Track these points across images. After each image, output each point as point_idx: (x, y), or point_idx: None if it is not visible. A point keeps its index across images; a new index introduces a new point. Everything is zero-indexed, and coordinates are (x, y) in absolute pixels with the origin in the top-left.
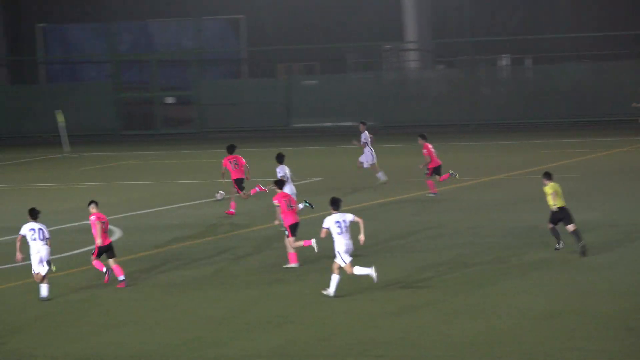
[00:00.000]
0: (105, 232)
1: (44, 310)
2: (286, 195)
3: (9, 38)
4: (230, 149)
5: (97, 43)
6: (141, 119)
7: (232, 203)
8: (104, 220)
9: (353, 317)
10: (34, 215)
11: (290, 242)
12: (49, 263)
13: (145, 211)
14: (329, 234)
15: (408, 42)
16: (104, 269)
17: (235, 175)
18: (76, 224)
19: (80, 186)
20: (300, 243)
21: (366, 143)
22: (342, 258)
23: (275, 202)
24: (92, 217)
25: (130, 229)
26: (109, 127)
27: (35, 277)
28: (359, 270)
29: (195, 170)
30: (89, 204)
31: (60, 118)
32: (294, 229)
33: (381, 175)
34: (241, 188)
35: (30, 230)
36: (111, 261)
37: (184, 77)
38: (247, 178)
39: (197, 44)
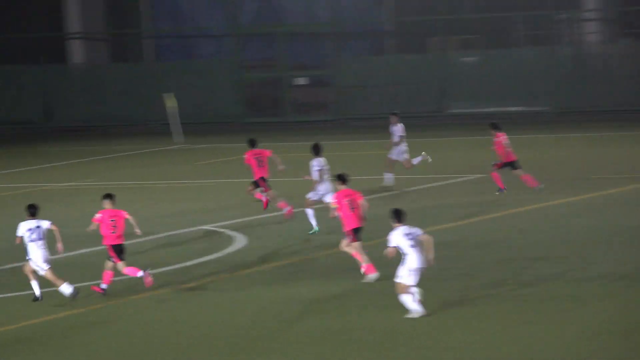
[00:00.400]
0: (115, 231)
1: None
2: (349, 193)
3: (109, 8)
4: (252, 143)
5: (214, 14)
6: (267, 103)
7: (282, 204)
8: (113, 218)
9: None
10: (32, 212)
11: (344, 247)
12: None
13: (275, 214)
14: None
15: (587, 10)
16: (139, 273)
17: (259, 173)
18: (191, 229)
19: (195, 184)
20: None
21: (403, 137)
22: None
23: (333, 203)
24: (98, 216)
25: (260, 235)
26: (228, 113)
27: (24, 269)
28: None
29: (333, 165)
30: (104, 197)
31: (170, 102)
32: (357, 232)
33: (389, 178)
34: (268, 186)
35: (27, 230)
36: (110, 265)
37: (317, 54)
38: (281, 169)
39: (333, 14)
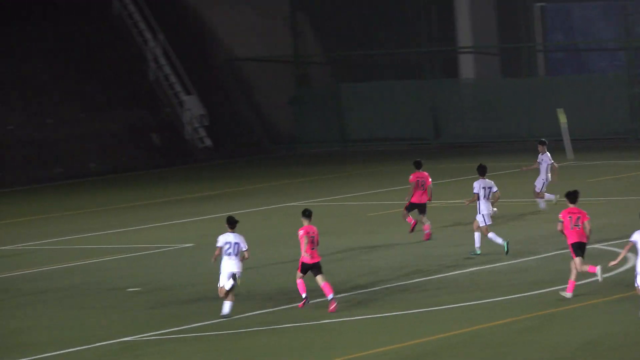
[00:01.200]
0: (313, 249)
1: None
2: (575, 210)
3: (501, 22)
4: (417, 165)
5: (606, 25)
6: None
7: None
8: (312, 235)
9: None
10: (231, 224)
11: (577, 265)
12: (234, 277)
13: None
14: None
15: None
16: (304, 295)
17: (417, 196)
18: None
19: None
20: (586, 267)
21: (541, 164)
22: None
23: (560, 218)
24: (300, 232)
25: None
26: (620, 129)
27: (219, 291)
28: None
29: None
30: (303, 213)
31: (562, 118)
32: (577, 248)
33: (543, 202)
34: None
35: (226, 243)
36: (319, 278)
37: None
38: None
39: None
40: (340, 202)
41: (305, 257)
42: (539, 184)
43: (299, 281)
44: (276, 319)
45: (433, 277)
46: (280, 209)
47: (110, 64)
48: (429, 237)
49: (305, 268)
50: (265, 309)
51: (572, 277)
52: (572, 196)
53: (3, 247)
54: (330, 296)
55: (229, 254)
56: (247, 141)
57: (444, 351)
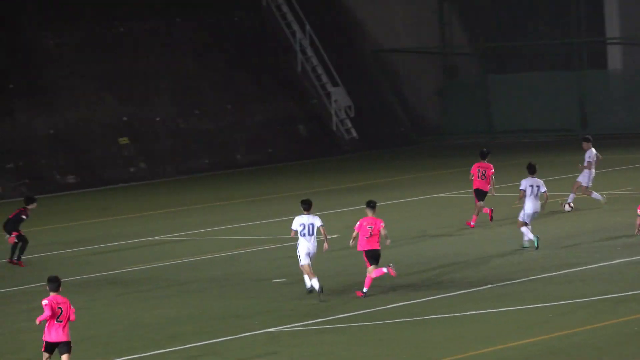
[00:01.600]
0: (370, 237)
1: None
2: None
3: None
4: (482, 155)
5: None
6: None
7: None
8: (371, 225)
9: None
10: (306, 206)
11: None
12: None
13: None
14: None
15: None
16: (384, 269)
17: (477, 184)
18: None
19: None
20: None
21: (591, 163)
22: None
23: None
24: (357, 224)
25: None
26: None
27: (302, 269)
28: None
29: None
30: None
31: None
32: None
33: (597, 196)
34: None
35: (300, 225)
36: (371, 269)
37: None
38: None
39: None
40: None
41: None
42: (584, 179)
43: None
44: (421, 310)
45: (578, 269)
46: (426, 201)
47: (258, 56)
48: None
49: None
50: (410, 300)
51: None
52: None
53: (150, 238)
54: (365, 290)
55: (304, 235)
56: (393, 132)
57: (594, 342)
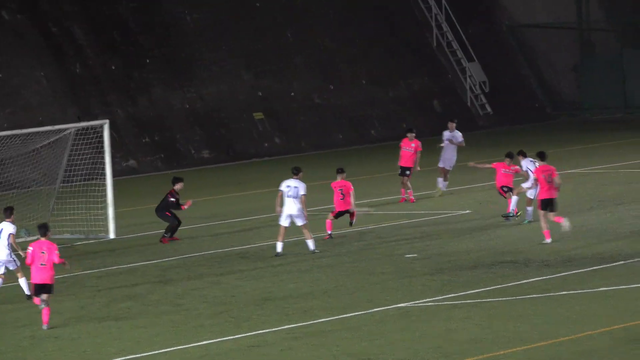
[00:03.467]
0: (342, 199)
1: None
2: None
3: None
4: (541, 157)
5: None
6: None
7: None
8: (340, 187)
9: None
10: (295, 172)
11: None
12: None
13: None
14: None
15: None
16: (329, 232)
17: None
18: None
19: None
20: None
21: None
22: None
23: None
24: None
25: None
26: None
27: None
28: None
29: None
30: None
31: None
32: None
33: None
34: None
35: (286, 187)
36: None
37: None
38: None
39: None
40: (621, 169)
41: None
42: None
43: (328, 221)
44: (552, 286)
45: None
46: (562, 176)
47: (394, 31)
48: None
49: (338, 214)
50: (542, 276)
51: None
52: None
53: None
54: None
55: (289, 196)
56: (529, 108)
57: None
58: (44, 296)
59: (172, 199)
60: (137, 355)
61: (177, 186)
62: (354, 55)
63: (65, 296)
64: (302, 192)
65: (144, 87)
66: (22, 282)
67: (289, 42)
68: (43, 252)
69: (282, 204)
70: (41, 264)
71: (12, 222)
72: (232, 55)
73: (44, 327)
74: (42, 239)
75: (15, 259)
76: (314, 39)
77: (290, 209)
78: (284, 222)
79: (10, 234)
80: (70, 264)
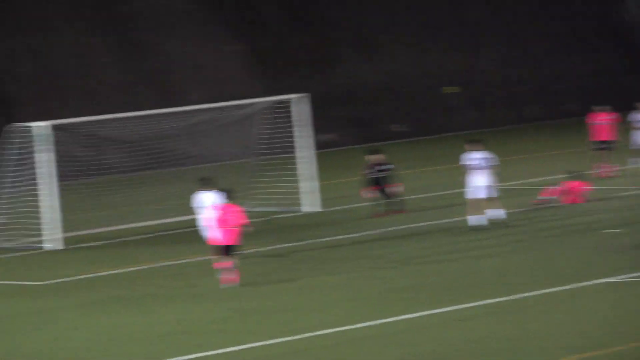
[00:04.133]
0: None
1: None
2: None
3: None
4: None
5: None
6: None
7: None
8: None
9: None
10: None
11: None
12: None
13: None
14: None
15: None
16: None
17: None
18: None
19: None
20: None
21: None
22: None
23: None
24: None
25: None
26: None
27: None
28: None
29: None
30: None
31: None
32: None
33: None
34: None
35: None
36: None
37: None
38: None
39: None
40: None
41: None
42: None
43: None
44: None
45: None
46: None
47: (586, 4)
48: None
49: None
50: None
51: None
52: None
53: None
54: None
55: (477, 168)
56: None
57: None
58: (230, 258)
59: (368, 171)
60: (340, 329)
61: (374, 157)
62: (547, 29)
63: (266, 269)
64: (492, 162)
65: (337, 61)
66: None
67: (482, 15)
68: (228, 216)
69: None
70: (227, 227)
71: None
72: (426, 28)
73: (224, 285)
74: (229, 202)
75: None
76: (506, 12)
77: (480, 181)
78: (476, 194)
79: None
80: (269, 236)
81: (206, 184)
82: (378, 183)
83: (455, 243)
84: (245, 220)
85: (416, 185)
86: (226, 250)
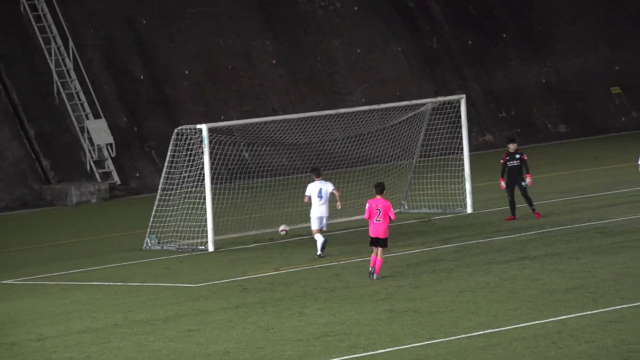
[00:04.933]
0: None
1: None
2: None
3: None
4: None
5: None
6: None
7: None
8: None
9: None
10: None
11: None
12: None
13: None
14: None
15: None
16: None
17: None
18: None
19: None
20: None
21: None
22: None
23: None
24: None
25: None
26: None
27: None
28: None
29: None
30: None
31: None
32: None
33: None
34: None
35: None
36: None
37: None
38: None
39: None
40: None
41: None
42: None
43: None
44: None
45: None
46: None
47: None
48: None
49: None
50: None
51: None
52: None
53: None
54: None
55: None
56: None
57: None
58: (379, 250)
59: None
60: (495, 330)
61: (512, 145)
62: (594, 28)
63: (422, 270)
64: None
65: (500, 61)
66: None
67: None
68: (377, 210)
69: None
70: (376, 220)
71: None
72: (589, 28)
73: (375, 277)
74: (378, 196)
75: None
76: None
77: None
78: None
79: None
80: (427, 238)
81: (316, 173)
82: (512, 173)
83: (613, 244)
84: (394, 216)
85: (581, 185)
86: (374, 242)
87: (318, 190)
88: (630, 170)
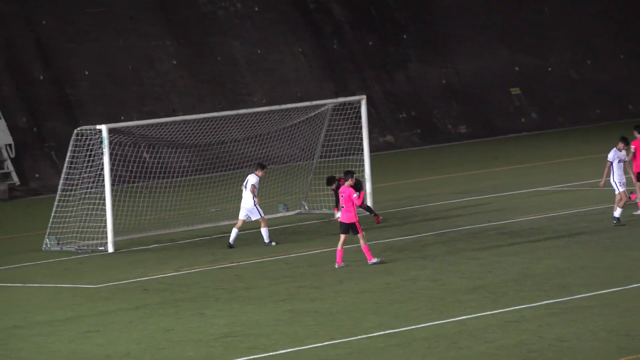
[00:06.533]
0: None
1: None
2: None
3: None
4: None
5: None
6: None
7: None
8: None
9: None
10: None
11: None
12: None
13: None
14: None
15: None
16: None
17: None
18: None
19: None
20: None
21: None
22: None
23: None
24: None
25: None
26: None
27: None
28: None
29: None
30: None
31: None
32: None
33: None
34: None
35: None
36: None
37: None
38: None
39: None
40: None
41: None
42: None
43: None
44: None
45: None
46: None
47: None
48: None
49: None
50: None
51: None
52: None
53: (539, 188)
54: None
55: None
56: None
57: None
58: (348, 237)
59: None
60: (395, 330)
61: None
62: (612, 30)
63: (322, 270)
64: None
65: (400, 62)
66: (264, 231)
67: (546, 17)
68: (341, 196)
69: (609, 174)
70: (341, 207)
71: (259, 176)
72: (489, 29)
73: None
74: (346, 184)
75: (259, 209)
76: (571, 13)
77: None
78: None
79: (252, 184)
80: (328, 239)
81: (256, 167)
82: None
83: (512, 244)
84: (358, 201)
85: (480, 186)
86: (345, 229)
87: (245, 182)
88: (530, 171)
